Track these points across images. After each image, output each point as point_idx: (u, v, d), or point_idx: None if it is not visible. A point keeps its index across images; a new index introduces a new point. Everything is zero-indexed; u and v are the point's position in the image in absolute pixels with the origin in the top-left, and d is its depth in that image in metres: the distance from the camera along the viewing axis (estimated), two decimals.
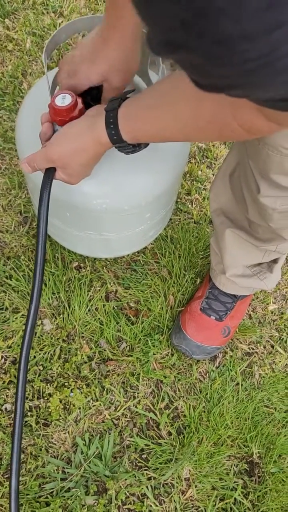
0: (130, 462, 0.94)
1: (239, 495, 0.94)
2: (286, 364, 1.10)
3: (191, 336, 1.02)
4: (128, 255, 1.15)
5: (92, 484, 0.91)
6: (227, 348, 1.09)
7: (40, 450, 0.93)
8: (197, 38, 0.26)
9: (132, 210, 0.85)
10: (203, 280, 1.12)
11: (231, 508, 0.93)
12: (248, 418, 1.01)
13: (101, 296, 1.09)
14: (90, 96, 0.74)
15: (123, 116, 0.61)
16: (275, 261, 0.98)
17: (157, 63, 0.75)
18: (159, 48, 0.30)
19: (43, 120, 0.69)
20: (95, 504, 0.89)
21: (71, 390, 0.98)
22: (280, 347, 1.11)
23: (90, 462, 0.92)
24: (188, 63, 0.30)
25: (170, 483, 0.93)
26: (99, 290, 1.10)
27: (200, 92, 0.54)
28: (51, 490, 0.89)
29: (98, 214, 0.84)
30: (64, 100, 0.67)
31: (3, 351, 1.00)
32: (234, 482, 0.95)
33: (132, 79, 0.71)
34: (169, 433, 0.98)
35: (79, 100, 0.69)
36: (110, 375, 1.01)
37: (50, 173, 0.68)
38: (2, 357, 1.00)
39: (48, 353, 1.01)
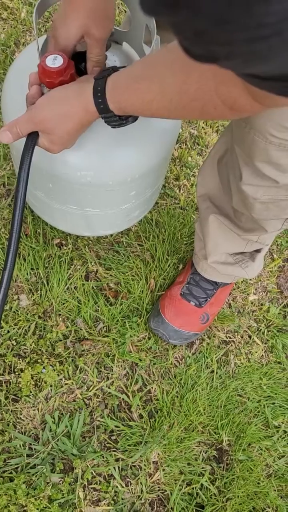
0: (99, 443, 0.93)
1: (206, 481, 0.93)
2: (262, 355, 1.09)
3: (169, 320, 1.01)
4: (111, 235, 1.13)
5: (58, 462, 0.89)
6: (204, 335, 1.08)
7: (8, 425, 0.91)
8: None
9: (117, 186, 0.83)
10: (186, 265, 1.11)
11: (197, 493, 0.92)
12: (221, 406, 1.01)
13: (81, 275, 1.07)
14: (84, 63, 0.72)
15: (111, 85, 0.60)
16: (257, 250, 0.97)
17: (151, 34, 0.73)
18: (157, 8, 0.28)
19: (32, 81, 0.67)
20: (61, 482, 0.88)
21: (44, 367, 0.96)
22: (257, 338, 1.11)
23: (58, 440, 0.91)
24: (188, 27, 0.28)
25: (138, 465, 0.93)
26: (80, 269, 1.08)
27: (187, 66, 0.52)
28: (16, 466, 0.87)
29: (81, 187, 0.82)
30: (55, 61, 0.65)
31: None
32: (202, 468, 0.95)
33: (112, 29, 0.68)
34: (141, 416, 0.97)
35: (71, 64, 0.67)
36: (85, 354, 1.00)
37: (33, 137, 0.66)
38: None
39: (23, 328, 0.99)
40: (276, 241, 1.22)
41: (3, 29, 1.32)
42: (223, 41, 0.27)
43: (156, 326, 1.02)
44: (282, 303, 1.16)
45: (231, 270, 0.98)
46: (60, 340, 1.00)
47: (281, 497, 0.96)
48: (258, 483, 0.95)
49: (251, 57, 0.28)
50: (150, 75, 0.57)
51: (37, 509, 0.84)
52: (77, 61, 0.70)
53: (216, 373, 1.04)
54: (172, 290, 1.06)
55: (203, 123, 1.34)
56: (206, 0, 0.24)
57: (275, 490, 0.96)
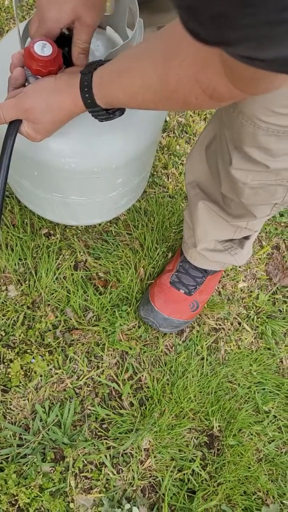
0: (90, 431, 0.93)
1: (197, 466, 0.94)
2: (252, 342, 1.10)
3: (159, 308, 1.01)
4: (100, 224, 1.12)
5: (49, 451, 0.89)
6: (194, 323, 1.08)
7: None
8: None
9: (103, 173, 0.82)
10: (175, 253, 1.11)
11: (188, 479, 0.93)
12: (211, 393, 1.01)
13: (70, 265, 1.06)
14: (69, 50, 0.71)
15: (97, 80, 0.60)
16: (246, 237, 0.97)
17: (134, 17, 0.72)
18: None
19: (15, 62, 0.65)
20: (52, 471, 0.88)
21: (33, 357, 0.96)
22: (247, 325, 1.11)
23: (48, 429, 0.91)
24: (207, 10, 0.28)
25: (129, 452, 0.93)
26: (68, 258, 1.07)
27: (165, 57, 0.52)
28: (6, 456, 0.87)
29: (66, 174, 0.81)
30: (44, 49, 0.64)
31: None
32: (193, 454, 0.95)
33: (101, 16, 0.68)
34: (131, 404, 0.97)
35: (60, 53, 0.66)
36: (75, 344, 1.00)
37: (16, 123, 0.65)
38: None
39: (11, 319, 0.99)
40: (265, 229, 1.22)
41: None
42: (242, 25, 0.27)
43: (146, 314, 1.02)
44: (271, 290, 1.16)
45: (220, 257, 0.98)
46: (50, 330, 1.00)
47: (272, 481, 0.97)
48: (249, 468, 0.96)
49: (266, 41, 0.28)
50: (132, 68, 0.57)
51: (28, 498, 0.84)
52: (60, 46, 0.69)
53: (207, 360, 1.04)
54: (162, 279, 1.06)
55: (191, 111, 1.33)
56: None
57: (265, 474, 0.97)
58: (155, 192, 1.19)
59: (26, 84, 0.66)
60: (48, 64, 0.64)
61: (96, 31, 0.79)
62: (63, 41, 0.70)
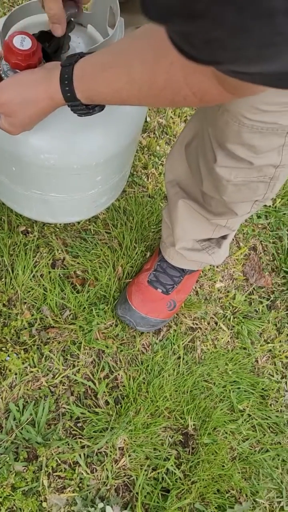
0: (64, 430, 0.92)
1: (171, 465, 0.94)
2: (228, 341, 1.11)
3: (136, 307, 1.01)
4: (78, 223, 1.12)
5: (22, 450, 0.88)
6: (171, 322, 1.09)
7: None
8: (236, 12, 0.25)
9: (82, 170, 0.82)
10: (153, 253, 1.11)
11: (162, 478, 0.93)
12: (187, 392, 1.02)
13: (47, 263, 1.06)
14: (49, 46, 0.71)
15: (78, 73, 0.59)
16: (224, 237, 0.98)
17: (115, 16, 0.72)
18: (167, 17, 0.28)
19: None
20: (24, 470, 0.87)
21: (8, 354, 0.94)
22: (224, 324, 1.12)
23: (22, 428, 0.90)
24: (200, 36, 0.29)
25: (104, 451, 0.92)
26: (46, 256, 1.06)
27: (155, 56, 0.52)
28: None
29: (45, 171, 0.80)
30: (23, 42, 0.64)
31: None
32: (168, 452, 0.96)
33: None
34: (107, 403, 0.97)
35: (39, 47, 0.66)
36: (51, 342, 0.99)
37: None
38: None
39: None
40: (242, 230, 1.24)
41: None
42: (235, 48, 0.28)
43: (123, 313, 1.02)
44: (247, 290, 1.18)
45: (198, 257, 0.98)
46: (25, 328, 0.99)
47: (245, 479, 0.98)
48: (223, 466, 0.97)
49: (256, 60, 0.30)
50: (119, 63, 0.56)
51: (0, 497, 0.82)
52: (41, 41, 0.69)
53: (183, 359, 1.05)
54: (139, 277, 1.06)
55: (172, 112, 1.34)
56: (230, 13, 0.25)
57: (239, 473, 0.97)
58: (134, 191, 1.20)
59: (4, 77, 0.66)
60: (27, 58, 0.63)
61: (77, 29, 0.79)
62: (44, 36, 0.70)
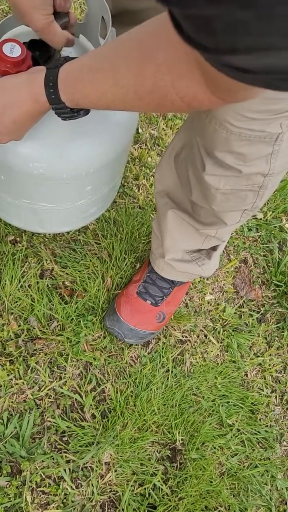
0: (49, 444, 0.90)
1: (158, 480, 0.92)
2: (217, 355, 1.10)
3: (124, 319, 1.00)
4: (68, 233, 1.11)
5: (6, 465, 0.86)
6: (160, 335, 1.07)
7: None
8: None
9: (72, 180, 0.82)
10: (143, 264, 1.10)
11: (149, 494, 0.91)
12: (175, 405, 1.00)
13: (36, 273, 1.04)
14: (40, 54, 0.71)
15: (63, 76, 0.59)
16: (214, 248, 0.98)
17: (107, 26, 0.72)
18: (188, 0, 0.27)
19: None
20: (7, 485, 0.85)
21: None
22: (213, 337, 1.11)
23: (6, 442, 0.87)
24: (225, 19, 0.27)
25: (90, 466, 0.90)
26: (34, 266, 1.05)
27: (142, 59, 0.52)
28: None
29: (34, 180, 0.80)
30: (13, 50, 0.64)
31: None
32: (155, 467, 0.94)
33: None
34: (93, 416, 0.95)
35: (29, 55, 0.66)
36: (37, 353, 0.97)
37: None
38: None
39: None
40: (233, 242, 1.24)
41: None
42: (259, 33, 0.27)
43: (112, 324, 1.00)
44: (237, 303, 1.17)
45: (187, 268, 0.98)
46: (12, 339, 0.97)
47: (234, 496, 0.96)
48: (211, 482, 0.95)
49: (276, 50, 0.29)
50: (104, 67, 0.56)
51: None
52: (32, 50, 0.69)
53: (172, 372, 1.03)
54: (129, 289, 1.05)
55: (164, 124, 1.34)
56: None
57: (227, 489, 0.96)
58: (125, 202, 1.19)
59: None
60: (16, 65, 0.63)
61: None
62: (34, 45, 0.70)
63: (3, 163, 0.77)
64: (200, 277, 1.13)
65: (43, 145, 0.76)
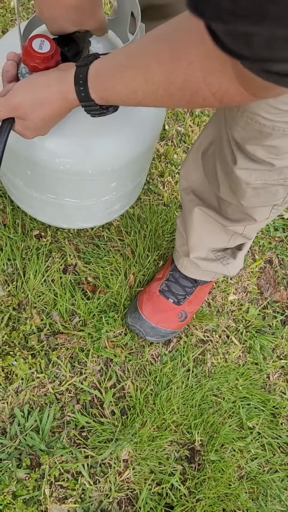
0: (68, 439, 0.91)
1: (176, 481, 0.92)
2: (239, 356, 1.08)
3: (146, 316, 0.99)
4: (92, 229, 1.11)
5: (25, 457, 0.87)
6: (182, 334, 1.06)
7: None
8: None
9: (97, 176, 0.81)
10: (166, 262, 1.10)
11: (167, 493, 0.91)
12: (195, 405, 0.99)
13: (59, 268, 1.05)
14: (68, 50, 0.71)
15: (93, 73, 0.58)
16: (239, 248, 0.96)
17: (136, 22, 0.72)
18: (229, 17, 0.28)
19: (8, 58, 0.65)
20: (26, 478, 0.86)
21: (15, 359, 0.94)
22: (235, 338, 1.10)
23: (26, 434, 0.88)
24: (264, 36, 0.29)
25: (108, 463, 0.90)
26: (58, 261, 1.06)
27: (174, 56, 0.51)
28: None
29: (60, 175, 0.80)
30: (42, 45, 0.64)
31: None
32: (173, 467, 0.93)
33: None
34: (113, 413, 0.95)
35: (58, 50, 0.66)
36: (59, 348, 0.98)
37: (10, 121, 0.64)
38: None
39: None
40: (258, 242, 1.22)
41: None
42: None
43: (133, 322, 1.00)
44: (261, 304, 1.15)
45: (212, 267, 0.96)
46: (34, 333, 0.98)
47: (252, 500, 0.94)
48: (230, 485, 0.94)
49: None
50: (135, 64, 0.55)
51: (0, 504, 0.81)
52: (61, 45, 0.69)
53: (192, 372, 1.02)
54: (151, 287, 1.04)
55: (191, 121, 1.33)
56: None
57: (246, 492, 0.94)
58: (149, 199, 1.18)
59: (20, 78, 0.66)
60: (45, 61, 0.63)
61: None
62: (63, 40, 0.70)
63: (30, 159, 0.78)
64: (224, 277, 1.12)
65: (70, 141, 0.76)
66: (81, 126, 0.76)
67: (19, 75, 0.67)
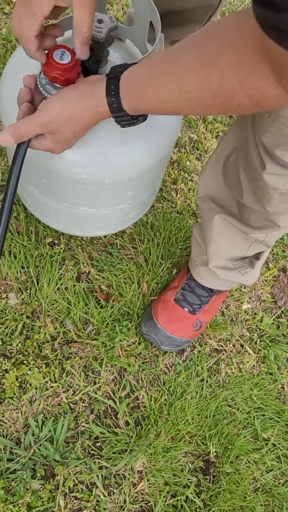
0: (82, 449, 0.90)
1: (191, 493, 0.90)
2: (254, 366, 1.07)
3: (161, 326, 0.99)
4: (105, 236, 1.11)
5: (40, 468, 0.86)
6: (196, 343, 1.06)
7: None
8: None
9: (114, 185, 0.81)
10: (180, 270, 1.09)
11: (181, 506, 0.90)
12: (210, 416, 0.98)
13: (72, 276, 1.04)
14: (88, 60, 0.70)
15: (125, 84, 0.58)
16: (257, 257, 0.95)
17: (155, 31, 0.71)
18: None
19: (25, 83, 0.65)
20: (41, 489, 0.85)
21: (29, 368, 0.93)
22: (250, 348, 1.09)
23: (40, 445, 0.88)
24: None
25: (122, 474, 0.90)
26: (71, 269, 1.05)
27: (206, 64, 0.51)
28: None
29: (77, 185, 0.79)
30: (63, 56, 0.63)
31: None
32: (188, 479, 0.92)
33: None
34: (127, 423, 0.94)
35: (78, 61, 0.65)
36: (72, 357, 0.97)
37: (24, 145, 0.64)
38: None
39: (10, 328, 0.96)
40: (272, 250, 1.21)
41: (5, 23, 1.30)
42: None
43: (148, 331, 0.99)
44: (275, 313, 1.14)
45: (230, 275, 0.95)
46: (48, 342, 0.97)
47: None
48: (245, 497, 0.93)
49: None
50: (167, 73, 0.55)
51: None
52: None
53: (206, 381, 1.02)
54: (166, 295, 1.03)
55: (203, 127, 1.32)
56: None
57: (261, 505, 0.93)
58: (163, 207, 1.18)
59: (46, 95, 0.65)
60: (66, 72, 0.63)
61: (115, 43, 0.79)
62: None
63: (47, 168, 0.77)
64: (240, 286, 1.11)
65: (87, 151, 0.76)
66: (99, 136, 0.75)
67: (39, 85, 0.66)
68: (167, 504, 0.89)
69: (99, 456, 0.90)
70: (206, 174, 0.87)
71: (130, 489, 0.89)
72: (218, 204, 0.87)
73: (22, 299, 1.00)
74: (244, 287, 1.14)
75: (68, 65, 0.63)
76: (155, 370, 1.00)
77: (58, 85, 0.66)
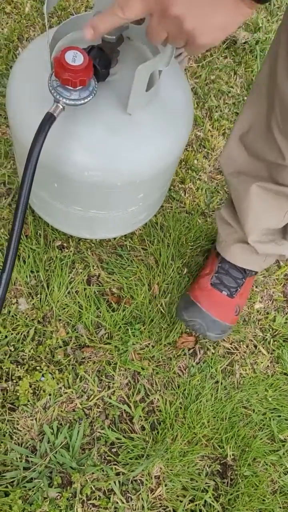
0: (99, 455, 0.89)
1: (210, 497, 0.89)
2: (268, 366, 1.06)
3: (207, 309, 0.93)
4: (114, 238, 1.09)
5: (56, 475, 0.85)
6: (208, 344, 1.04)
7: (4, 435, 0.86)
8: None
9: (125, 188, 0.79)
10: (207, 258, 1.06)
11: (200, 510, 0.89)
12: (225, 418, 0.97)
13: (83, 279, 1.03)
14: (99, 61, 0.69)
15: None
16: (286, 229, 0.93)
17: None
18: None
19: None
20: (58, 497, 0.84)
21: (43, 374, 0.92)
22: (263, 348, 1.07)
23: (56, 452, 0.86)
24: None
25: (140, 480, 0.89)
26: (81, 272, 1.04)
27: None
28: (12, 480, 0.83)
29: (88, 188, 0.78)
30: (75, 58, 0.62)
31: None
32: (206, 483, 0.91)
33: None
34: (143, 428, 0.93)
35: (91, 63, 0.64)
36: (86, 362, 0.96)
37: (51, 119, 0.63)
38: None
39: (21, 334, 0.95)
40: None
41: (6, 23, 1.28)
42: None
43: (192, 316, 0.93)
44: None
45: (269, 248, 0.92)
46: (60, 347, 0.96)
47: None
48: (263, 500, 0.92)
49: None
50: None
51: None
52: (92, 57, 0.67)
53: (221, 383, 1.00)
54: (200, 283, 0.99)
55: (210, 125, 1.30)
56: None
57: (280, 507, 0.92)
58: (171, 207, 1.16)
59: (57, 98, 0.64)
60: (79, 74, 0.61)
61: (125, 43, 0.77)
62: (94, 52, 0.68)
63: (58, 171, 0.76)
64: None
65: (99, 154, 0.74)
66: (110, 139, 0.74)
67: (50, 88, 0.65)
68: (186, 509, 0.88)
69: (115, 462, 0.89)
70: (229, 151, 0.86)
71: (148, 495, 0.88)
72: (250, 175, 0.85)
73: (33, 304, 0.99)
74: (256, 286, 1.13)
75: (80, 67, 0.61)
76: (169, 373, 0.99)
77: (69, 87, 0.64)
